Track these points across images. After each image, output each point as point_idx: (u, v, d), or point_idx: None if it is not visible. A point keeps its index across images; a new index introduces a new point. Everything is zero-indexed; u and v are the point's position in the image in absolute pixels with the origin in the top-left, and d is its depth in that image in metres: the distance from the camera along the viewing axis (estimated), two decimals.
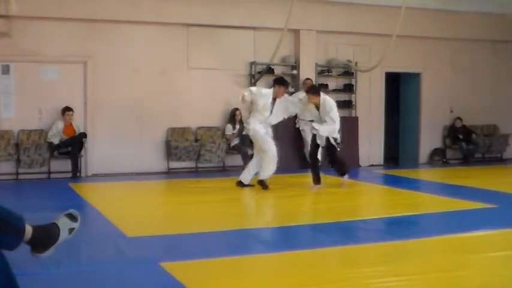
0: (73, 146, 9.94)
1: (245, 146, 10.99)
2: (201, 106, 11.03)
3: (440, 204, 7.14)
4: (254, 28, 11.31)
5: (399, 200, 7.48)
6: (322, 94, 8.34)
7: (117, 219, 5.95)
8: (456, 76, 12.94)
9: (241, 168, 11.04)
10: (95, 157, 10.38)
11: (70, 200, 7.49)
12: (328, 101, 8.18)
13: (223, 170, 11.07)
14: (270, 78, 11.51)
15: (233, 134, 10.96)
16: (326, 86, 11.45)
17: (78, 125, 10.20)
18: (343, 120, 8.03)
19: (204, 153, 10.71)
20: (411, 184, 9.28)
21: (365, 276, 3.93)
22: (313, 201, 7.53)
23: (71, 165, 9.95)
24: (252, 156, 11.12)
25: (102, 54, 10.34)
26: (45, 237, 2.91)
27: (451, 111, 12.97)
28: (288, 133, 11.40)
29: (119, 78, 10.49)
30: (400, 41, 10.62)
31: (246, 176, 8.51)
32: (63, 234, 2.98)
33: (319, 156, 8.80)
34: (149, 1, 10.46)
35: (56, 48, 10.06)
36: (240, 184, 8.48)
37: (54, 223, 2.98)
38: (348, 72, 12.10)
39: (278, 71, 11.59)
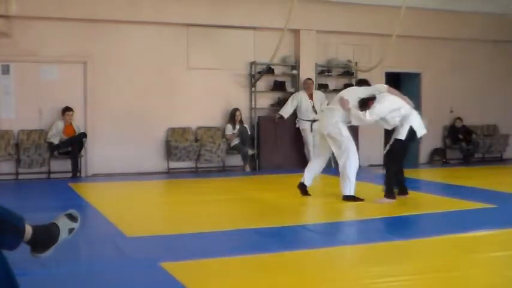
0: (73, 146, 9.94)
1: (245, 146, 11.01)
2: (201, 106, 11.03)
3: (440, 204, 7.13)
4: (254, 28, 11.31)
5: (399, 200, 7.46)
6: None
7: (117, 219, 5.95)
8: (456, 76, 12.94)
9: (241, 168, 11.11)
10: (95, 157, 10.38)
11: (70, 200, 7.49)
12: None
13: (223, 170, 11.07)
14: (270, 78, 11.55)
15: (233, 134, 10.96)
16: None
17: (78, 125, 10.20)
18: None
19: (204, 153, 10.71)
20: (411, 184, 9.23)
21: (365, 276, 3.92)
22: (313, 201, 7.52)
23: (71, 165, 9.95)
24: (252, 156, 11.18)
25: (102, 54, 10.34)
26: (45, 237, 2.91)
27: (451, 111, 12.98)
28: (288, 133, 11.42)
29: (119, 78, 10.49)
30: (400, 41, 10.63)
31: (308, 177, 7.50)
32: (63, 234, 2.99)
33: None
34: (149, 1, 10.46)
35: (56, 48, 10.07)
36: (302, 187, 7.51)
37: (54, 223, 2.99)
38: (348, 72, 12.10)
39: (278, 71, 11.60)
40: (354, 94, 7.29)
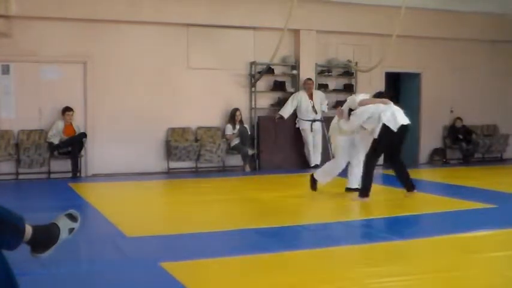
0: (73, 146, 9.94)
1: (245, 146, 11.01)
2: (201, 106, 11.03)
3: (440, 204, 7.14)
4: (254, 28, 11.31)
5: (399, 200, 7.47)
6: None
7: (117, 219, 5.95)
8: (456, 76, 12.94)
9: (241, 168, 11.12)
10: (95, 157, 10.38)
11: (70, 200, 7.49)
12: None
13: (223, 170, 11.07)
14: (270, 78, 11.55)
15: (233, 134, 10.96)
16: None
17: (78, 125, 10.20)
18: None
19: (204, 153, 10.71)
20: None
21: (365, 276, 3.92)
22: (313, 201, 7.52)
23: (71, 165, 9.95)
24: (252, 156, 11.18)
25: (102, 54, 10.34)
26: (45, 237, 2.91)
27: (451, 111, 12.98)
28: (288, 133, 11.42)
29: (119, 78, 10.49)
30: (400, 41, 10.62)
31: (352, 180, 7.89)
32: (63, 235, 2.98)
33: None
34: (149, 1, 10.46)
35: (56, 48, 10.07)
36: (348, 190, 7.87)
37: (54, 223, 2.99)
38: (348, 72, 12.10)
39: (278, 71, 11.60)
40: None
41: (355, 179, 7.76)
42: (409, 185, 7.48)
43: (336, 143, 7.80)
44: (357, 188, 7.59)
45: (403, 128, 7.15)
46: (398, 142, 7.37)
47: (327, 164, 8.03)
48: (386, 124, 7.06)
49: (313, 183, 7.78)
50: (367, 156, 7.35)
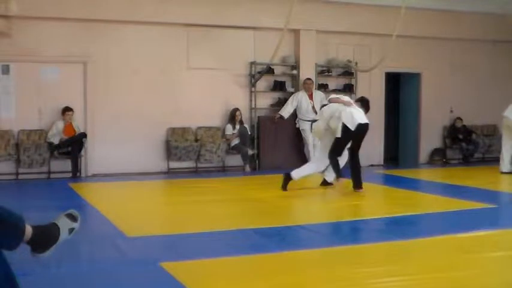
0: (73, 146, 9.94)
1: (245, 146, 11.00)
2: (201, 106, 11.03)
3: (440, 204, 7.14)
4: (254, 28, 11.30)
5: (399, 200, 7.48)
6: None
7: (117, 219, 5.95)
8: (456, 76, 12.94)
9: (241, 168, 11.11)
10: (95, 157, 10.38)
11: (70, 200, 7.50)
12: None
13: (223, 170, 11.07)
14: (269, 78, 11.55)
15: (233, 134, 10.96)
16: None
17: (78, 125, 10.20)
18: None
19: (204, 153, 10.71)
20: (411, 184, 9.28)
21: (365, 276, 3.93)
22: (313, 201, 7.53)
23: (71, 165, 9.95)
24: (252, 156, 11.18)
25: (102, 54, 10.33)
26: (45, 237, 2.91)
27: (451, 111, 12.97)
28: (288, 133, 11.42)
29: (119, 78, 10.49)
30: (400, 41, 10.62)
31: (330, 175, 8.29)
32: (63, 235, 2.98)
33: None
34: (149, 1, 10.46)
35: (56, 48, 10.06)
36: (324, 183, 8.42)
37: (54, 223, 2.99)
38: (348, 72, 12.10)
39: (278, 71, 11.59)
40: None
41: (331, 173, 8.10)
42: (358, 183, 7.74)
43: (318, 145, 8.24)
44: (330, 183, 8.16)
45: (360, 126, 7.54)
46: (357, 140, 7.76)
47: (306, 166, 8.26)
48: (345, 123, 7.48)
49: (285, 182, 7.99)
50: (330, 153, 7.72)
